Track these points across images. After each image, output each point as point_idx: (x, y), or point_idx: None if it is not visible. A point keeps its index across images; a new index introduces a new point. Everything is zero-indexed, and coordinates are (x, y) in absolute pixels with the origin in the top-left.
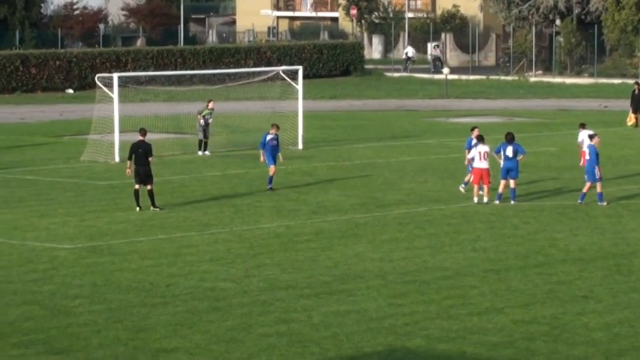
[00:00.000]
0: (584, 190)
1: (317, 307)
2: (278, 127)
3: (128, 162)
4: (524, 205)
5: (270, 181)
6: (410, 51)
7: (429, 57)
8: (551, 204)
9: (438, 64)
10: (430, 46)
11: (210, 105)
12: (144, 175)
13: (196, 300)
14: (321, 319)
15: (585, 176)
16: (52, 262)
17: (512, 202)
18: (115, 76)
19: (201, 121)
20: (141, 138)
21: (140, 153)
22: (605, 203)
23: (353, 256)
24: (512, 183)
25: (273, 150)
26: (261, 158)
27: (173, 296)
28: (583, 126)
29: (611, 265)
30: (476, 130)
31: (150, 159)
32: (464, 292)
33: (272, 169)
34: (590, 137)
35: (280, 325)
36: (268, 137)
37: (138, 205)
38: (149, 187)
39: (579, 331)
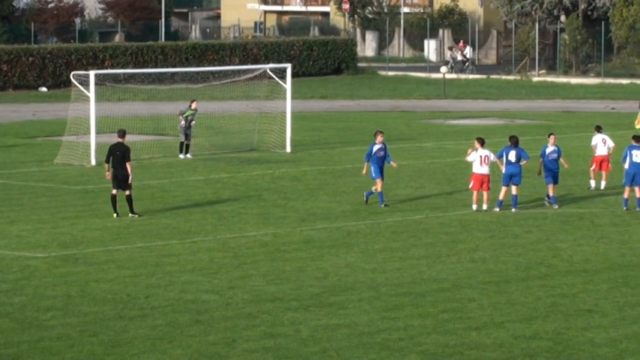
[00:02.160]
0: (638, 194)
1: (305, 320)
2: (383, 134)
3: (106, 165)
4: (526, 213)
5: (382, 198)
6: (469, 51)
7: (455, 58)
8: (554, 212)
9: (460, 66)
10: (460, 48)
11: (194, 105)
12: (122, 180)
13: (177, 313)
14: (310, 333)
15: (625, 180)
16: (23, 271)
17: (513, 209)
18: (92, 73)
19: (182, 123)
20: (119, 140)
21: (118, 156)
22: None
23: (344, 266)
24: (514, 189)
25: (381, 161)
26: (364, 171)
27: (152, 309)
28: (599, 129)
29: (618, 277)
30: (552, 136)
31: (127, 163)
32: (461, 305)
33: (379, 183)
34: (637, 139)
35: (266, 339)
36: (375, 147)
37: (115, 211)
38: (127, 192)
39: (584, 347)
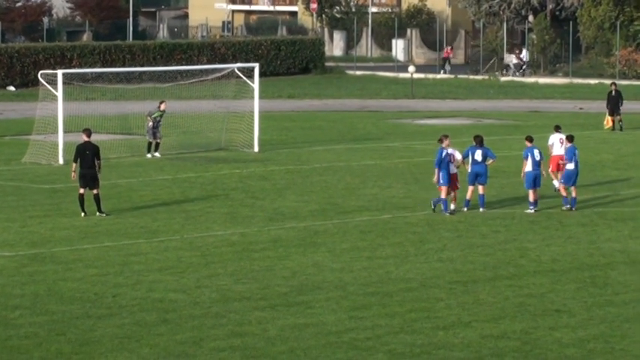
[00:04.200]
0: (575, 194)
1: (273, 319)
2: (449, 138)
3: (74, 165)
4: (494, 213)
5: (443, 204)
6: (525, 55)
7: (514, 62)
8: (522, 212)
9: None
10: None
11: (162, 107)
12: (90, 179)
13: (144, 312)
14: (277, 332)
15: (565, 180)
16: None
17: (480, 209)
18: (60, 72)
19: (150, 124)
20: (86, 139)
21: (88, 155)
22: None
23: (311, 265)
24: (480, 189)
25: (448, 166)
26: (435, 178)
27: (120, 307)
28: (557, 129)
29: (586, 277)
30: (527, 140)
31: (97, 162)
32: (429, 304)
33: (446, 189)
34: (570, 139)
35: (234, 338)
36: (444, 152)
37: (83, 210)
38: (95, 191)
39: (551, 347)
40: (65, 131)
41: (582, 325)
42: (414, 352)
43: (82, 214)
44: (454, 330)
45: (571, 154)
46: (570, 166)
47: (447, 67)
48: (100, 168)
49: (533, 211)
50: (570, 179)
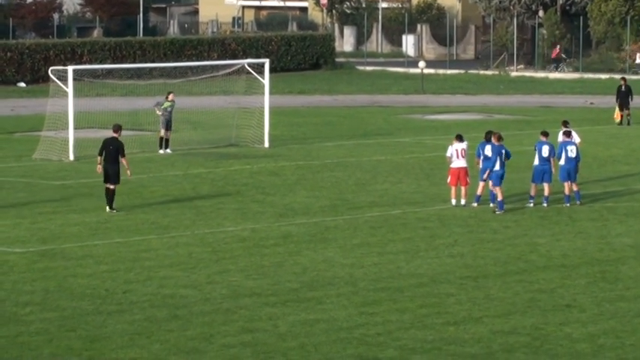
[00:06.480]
0: (576, 188)
1: (283, 315)
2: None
3: (99, 158)
4: (504, 208)
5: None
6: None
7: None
8: (532, 207)
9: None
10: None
11: (170, 97)
12: (111, 174)
13: (155, 308)
14: (288, 328)
15: (561, 176)
16: (2, 267)
17: (491, 204)
18: (70, 69)
19: (159, 113)
20: (114, 134)
21: (111, 150)
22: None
23: (322, 261)
24: (491, 184)
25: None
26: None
27: (130, 304)
28: (565, 124)
29: (596, 272)
30: (540, 134)
31: (123, 158)
32: (440, 300)
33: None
34: (567, 134)
35: (244, 334)
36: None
37: (108, 204)
38: (112, 186)
39: (562, 342)
40: (76, 127)
41: (593, 320)
42: (425, 348)
43: (107, 208)
44: (465, 325)
45: (560, 151)
46: (560, 162)
47: (563, 67)
48: (127, 165)
49: (532, 204)
50: (564, 175)
